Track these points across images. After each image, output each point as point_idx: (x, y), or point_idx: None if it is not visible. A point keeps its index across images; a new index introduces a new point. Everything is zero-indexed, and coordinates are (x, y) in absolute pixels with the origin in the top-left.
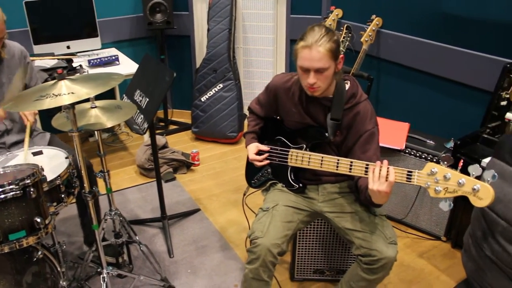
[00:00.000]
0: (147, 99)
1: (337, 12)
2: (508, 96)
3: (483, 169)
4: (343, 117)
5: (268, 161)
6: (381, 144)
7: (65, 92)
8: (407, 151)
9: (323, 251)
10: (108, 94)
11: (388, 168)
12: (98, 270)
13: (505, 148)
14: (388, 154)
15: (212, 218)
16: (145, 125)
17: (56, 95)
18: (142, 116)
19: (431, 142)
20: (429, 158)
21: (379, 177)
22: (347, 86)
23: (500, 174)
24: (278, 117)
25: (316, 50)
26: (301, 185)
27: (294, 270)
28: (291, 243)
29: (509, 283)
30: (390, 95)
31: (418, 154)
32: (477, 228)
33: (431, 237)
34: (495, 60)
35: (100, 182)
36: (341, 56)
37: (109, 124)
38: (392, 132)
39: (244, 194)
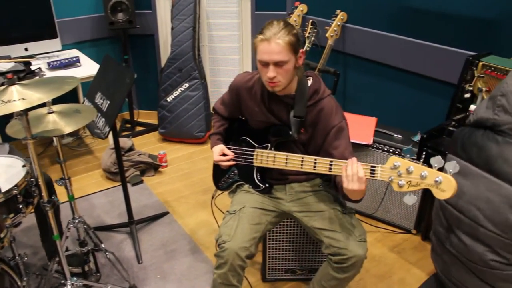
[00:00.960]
0: (108, 102)
1: (301, 8)
2: (471, 88)
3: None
4: (306, 114)
5: (233, 162)
6: None
7: (16, 98)
8: (375, 146)
9: (294, 250)
10: (72, 97)
11: (358, 164)
12: (62, 282)
13: (458, 143)
14: (356, 149)
15: (181, 221)
16: (107, 129)
17: (6, 102)
18: (103, 119)
19: (398, 136)
20: (396, 152)
21: (352, 175)
22: (309, 83)
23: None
24: (243, 117)
25: (274, 42)
26: (267, 185)
27: (266, 270)
28: (261, 244)
29: (473, 277)
30: (357, 89)
31: (386, 149)
32: (438, 224)
33: (402, 231)
34: (458, 53)
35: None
36: (301, 50)
37: (67, 130)
38: (360, 127)
39: (213, 197)
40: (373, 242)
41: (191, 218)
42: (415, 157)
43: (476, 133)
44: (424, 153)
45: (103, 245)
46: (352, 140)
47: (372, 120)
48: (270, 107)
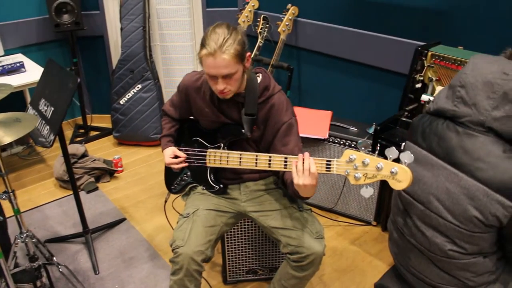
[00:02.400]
0: (52, 109)
1: (253, 3)
2: (422, 78)
3: (400, 151)
4: (258, 111)
5: (186, 164)
6: (304, 135)
7: None
8: (331, 140)
9: (254, 250)
10: (20, 105)
11: (309, 159)
12: None
13: (417, 131)
14: (312, 144)
15: (139, 227)
16: (52, 137)
17: None
18: (48, 127)
19: (354, 128)
20: (353, 145)
21: (303, 171)
22: (258, 79)
23: (414, 157)
24: (193, 118)
25: (220, 57)
26: (221, 186)
27: (226, 273)
28: (220, 246)
29: (431, 266)
30: (312, 84)
31: (342, 142)
32: (396, 213)
33: (362, 223)
34: (408, 43)
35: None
36: (248, 54)
37: (6, 140)
38: (315, 122)
39: (166, 201)
40: (334, 236)
41: (149, 223)
42: (370, 149)
43: (436, 122)
44: (378, 145)
45: (55, 259)
46: (308, 135)
47: (328, 114)
48: (220, 106)
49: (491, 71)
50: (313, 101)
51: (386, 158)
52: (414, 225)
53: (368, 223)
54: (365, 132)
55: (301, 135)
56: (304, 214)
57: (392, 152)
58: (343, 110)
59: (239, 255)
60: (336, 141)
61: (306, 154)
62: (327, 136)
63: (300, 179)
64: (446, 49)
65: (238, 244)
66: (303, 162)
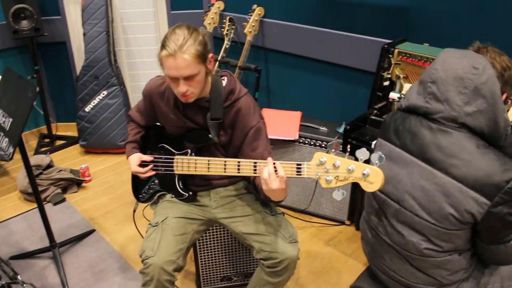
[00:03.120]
0: (11, 120)
1: (218, 5)
2: (389, 76)
3: (371, 152)
4: (224, 115)
5: (153, 172)
6: (274, 137)
7: None
8: (301, 141)
9: (227, 256)
10: None
11: (274, 164)
12: None
13: (390, 129)
14: (283, 145)
15: (109, 238)
16: (11, 150)
17: None
18: (6, 139)
19: (324, 128)
20: (323, 145)
21: (270, 175)
22: (224, 83)
23: (387, 155)
24: (159, 124)
25: (181, 58)
26: (191, 193)
27: (200, 281)
28: (193, 253)
29: (406, 265)
30: (280, 84)
31: (312, 142)
32: (371, 212)
33: (336, 223)
34: (375, 41)
35: None
36: (210, 55)
37: None
38: (285, 123)
39: (134, 211)
40: (309, 237)
41: (119, 234)
42: (341, 149)
43: (409, 119)
44: (349, 145)
45: (19, 277)
46: (278, 137)
47: (297, 115)
48: (185, 112)
49: (461, 65)
50: (283, 102)
51: (357, 159)
52: (389, 224)
53: (342, 222)
54: (335, 131)
55: (270, 137)
56: (276, 218)
57: (363, 153)
58: (312, 110)
59: (212, 262)
60: (307, 142)
61: (269, 159)
62: (297, 137)
63: (269, 184)
64: (412, 46)
65: (211, 251)
66: (274, 167)
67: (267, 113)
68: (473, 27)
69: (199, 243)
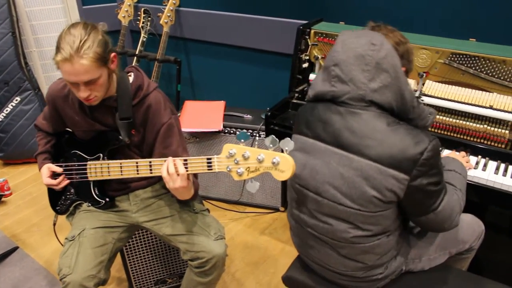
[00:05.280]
0: None
1: None
2: (308, 57)
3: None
4: (134, 114)
5: (66, 182)
6: (198, 129)
7: None
8: (226, 131)
9: (158, 259)
10: None
11: (174, 161)
12: None
13: (301, 122)
14: (208, 137)
15: (35, 254)
16: None
17: None
18: None
19: (248, 116)
20: (249, 134)
21: (170, 175)
22: (130, 79)
23: (301, 148)
24: (69, 129)
25: (78, 63)
26: (108, 199)
27: (133, 287)
28: (121, 261)
29: (334, 255)
30: (203, 75)
31: (238, 132)
32: (294, 206)
33: (270, 210)
34: (291, 23)
35: None
36: (112, 55)
37: None
38: (208, 114)
39: (54, 224)
40: (243, 228)
41: (45, 248)
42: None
43: (318, 108)
44: (264, 133)
45: None
46: (202, 129)
47: (220, 104)
48: (92, 113)
49: (360, 44)
50: (207, 92)
51: (282, 151)
52: (313, 217)
53: (276, 209)
54: (260, 118)
55: (194, 129)
56: (200, 216)
57: (271, 141)
58: (237, 99)
59: (143, 266)
60: (232, 132)
61: (170, 158)
62: (221, 127)
63: (170, 183)
64: (328, 25)
65: (141, 255)
66: (172, 165)
67: (189, 105)
68: (385, 4)
69: (126, 249)
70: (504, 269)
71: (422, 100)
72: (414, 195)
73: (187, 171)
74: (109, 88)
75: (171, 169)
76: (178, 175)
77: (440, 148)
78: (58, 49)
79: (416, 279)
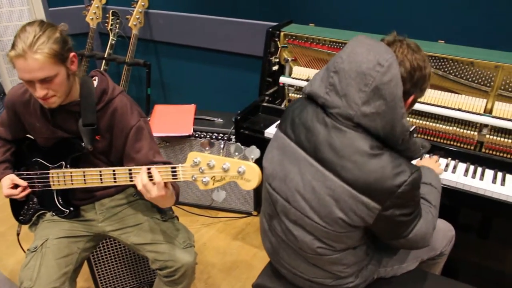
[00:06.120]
0: None
1: None
2: (278, 60)
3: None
4: (99, 119)
5: (28, 191)
6: (168, 133)
7: None
8: (196, 135)
9: (127, 268)
10: None
11: (150, 170)
12: None
13: (287, 119)
14: (178, 142)
15: None
16: None
17: None
18: None
19: (219, 120)
20: (219, 138)
21: (146, 184)
22: (95, 83)
23: (281, 148)
24: (30, 136)
25: (32, 58)
26: (72, 208)
27: None
28: (89, 271)
29: (304, 263)
30: (173, 78)
31: (208, 136)
32: (267, 207)
33: (243, 215)
34: (261, 25)
35: None
36: (72, 54)
37: None
38: (179, 118)
39: (18, 234)
40: (216, 234)
41: (11, 258)
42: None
43: (307, 110)
44: (234, 138)
45: None
46: (172, 133)
47: (191, 108)
48: (54, 120)
49: (367, 59)
50: (177, 96)
51: (248, 159)
52: (282, 222)
53: (249, 214)
54: (231, 122)
55: (164, 134)
56: (169, 224)
57: (237, 149)
58: (207, 102)
59: (112, 276)
60: (202, 136)
61: (143, 168)
62: (191, 132)
63: (148, 193)
64: (298, 27)
65: (109, 264)
66: (149, 173)
67: (159, 109)
68: (355, 5)
69: (94, 258)
70: (476, 270)
71: (416, 135)
72: (384, 224)
73: (151, 180)
74: (71, 92)
75: (144, 180)
76: (154, 184)
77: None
78: (12, 46)
79: (389, 284)
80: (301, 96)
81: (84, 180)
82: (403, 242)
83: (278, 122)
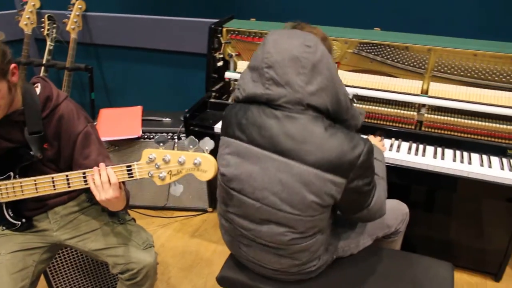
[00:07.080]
0: None
1: (33, 2)
2: (222, 55)
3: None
4: (45, 127)
5: None
6: (117, 137)
7: None
8: (145, 136)
9: (86, 276)
10: None
11: (106, 170)
12: None
13: (232, 124)
14: (128, 145)
15: None
16: None
17: None
18: None
19: (167, 119)
20: (169, 137)
21: (102, 184)
22: (38, 90)
23: (235, 153)
24: None
25: None
26: (24, 220)
27: None
28: (46, 284)
29: (269, 255)
30: (117, 81)
31: (157, 136)
32: (225, 204)
33: (198, 212)
34: (203, 22)
35: None
36: (12, 66)
37: None
38: (125, 121)
39: None
40: (173, 234)
41: None
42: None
43: (251, 110)
44: (184, 135)
45: None
46: (121, 136)
47: (137, 110)
48: None
49: (294, 45)
50: (123, 98)
51: (203, 151)
52: (250, 221)
53: (204, 211)
54: (179, 121)
55: (113, 138)
56: (126, 226)
57: (191, 142)
58: (154, 103)
59: (71, 286)
60: (152, 137)
61: (102, 165)
62: (140, 133)
63: (102, 194)
64: (239, 22)
65: (67, 275)
66: (100, 175)
67: (105, 113)
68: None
69: (50, 270)
70: (433, 243)
71: (353, 101)
72: (350, 196)
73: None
74: (13, 101)
75: (103, 178)
76: (110, 184)
77: None
78: None
79: (348, 263)
80: (235, 101)
81: (36, 188)
82: (365, 213)
83: (220, 129)
